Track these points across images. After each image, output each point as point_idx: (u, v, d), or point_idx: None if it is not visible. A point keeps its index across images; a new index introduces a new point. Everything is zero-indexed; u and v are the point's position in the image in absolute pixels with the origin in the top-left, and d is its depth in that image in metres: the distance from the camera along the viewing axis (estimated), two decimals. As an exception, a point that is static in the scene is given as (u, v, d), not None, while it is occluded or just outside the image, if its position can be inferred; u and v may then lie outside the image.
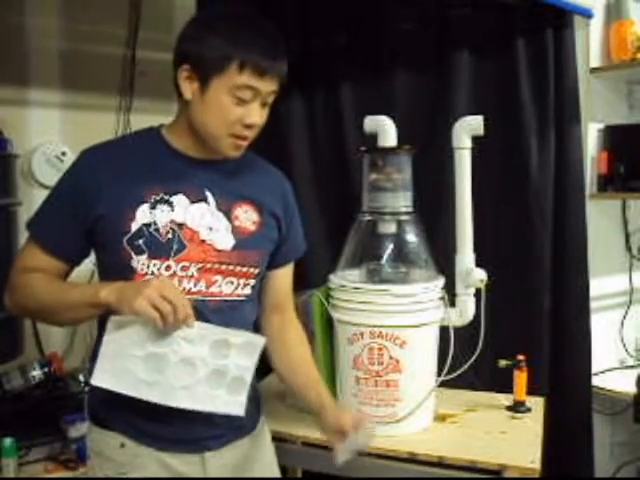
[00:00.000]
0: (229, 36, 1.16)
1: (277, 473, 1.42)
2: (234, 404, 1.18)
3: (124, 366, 1.12)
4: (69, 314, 1.18)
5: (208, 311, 1.21)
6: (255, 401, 1.36)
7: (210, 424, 1.24)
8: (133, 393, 1.13)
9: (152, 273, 1.18)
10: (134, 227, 1.17)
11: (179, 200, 1.21)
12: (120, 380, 1.12)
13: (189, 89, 1.18)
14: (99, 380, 1.13)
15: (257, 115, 1.19)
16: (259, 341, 1.19)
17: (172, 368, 1.13)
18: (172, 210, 1.20)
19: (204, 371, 1.15)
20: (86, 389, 1.83)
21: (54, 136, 2.15)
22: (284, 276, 1.40)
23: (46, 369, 1.89)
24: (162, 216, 1.19)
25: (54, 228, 1.22)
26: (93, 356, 1.30)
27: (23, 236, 1.85)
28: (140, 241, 1.17)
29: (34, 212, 1.25)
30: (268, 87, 1.19)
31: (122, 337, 1.12)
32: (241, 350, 1.17)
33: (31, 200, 2.06)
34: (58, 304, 1.18)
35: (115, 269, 1.19)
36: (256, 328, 1.34)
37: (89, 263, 1.27)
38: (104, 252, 1.22)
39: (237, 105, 1.17)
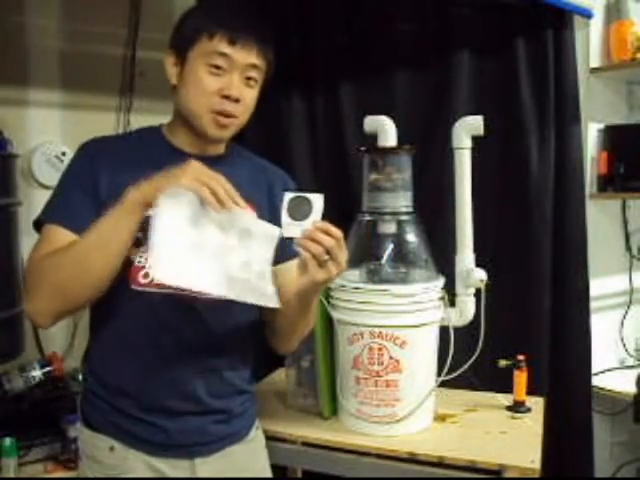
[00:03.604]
0: (203, 14, 1.21)
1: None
2: (267, 296, 1.14)
3: (181, 258, 1.06)
4: (101, 253, 1.09)
5: (202, 308, 1.20)
6: (250, 406, 1.36)
7: (202, 431, 1.24)
8: (195, 287, 1.07)
9: (150, 266, 1.17)
10: None
11: None
12: (177, 272, 1.05)
13: (174, 74, 1.22)
14: (160, 274, 1.04)
15: (236, 88, 1.19)
16: (275, 232, 1.15)
17: (214, 255, 1.09)
18: None
19: (237, 261, 1.11)
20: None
21: (54, 136, 2.15)
22: (288, 273, 1.33)
23: (46, 369, 1.89)
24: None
25: (74, 207, 1.17)
26: (85, 358, 1.30)
27: (23, 236, 1.87)
28: (139, 233, 1.15)
29: (44, 207, 1.20)
30: (244, 57, 1.19)
31: (167, 221, 1.05)
32: (261, 241, 1.13)
33: (31, 200, 2.05)
34: (84, 251, 1.09)
35: None
36: (258, 330, 1.34)
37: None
38: None
39: (213, 75, 1.18)
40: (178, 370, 1.21)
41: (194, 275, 1.07)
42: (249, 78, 1.21)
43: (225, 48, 1.17)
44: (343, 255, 1.10)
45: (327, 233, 1.07)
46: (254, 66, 1.21)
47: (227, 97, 1.19)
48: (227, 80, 1.18)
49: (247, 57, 1.19)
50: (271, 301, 1.15)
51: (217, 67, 1.18)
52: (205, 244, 1.09)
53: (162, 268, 1.05)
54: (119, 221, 1.08)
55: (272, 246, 1.15)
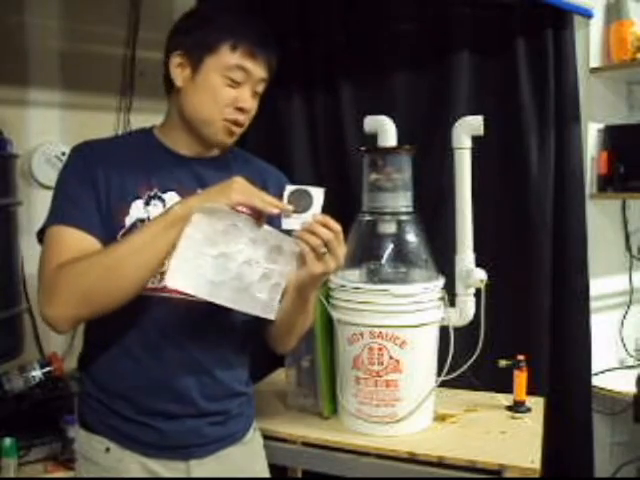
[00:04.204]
0: (221, 21, 1.20)
1: None
2: (270, 308, 1.16)
3: (196, 264, 1.09)
4: (136, 262, 1.08)
5: (199, 310, 1.20)
6: (248, 408, 1.35)
7: (197, 432, 1.23)
8: (201, 295, 1.10)
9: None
10: (128, 222, 1.17)
11: (171, 197, 1.21)
12: (192, 281, 1.09)
13: (180, 76, 1.20)
14: (173, 283, 1.08)
15: (249, 100, 1.21)
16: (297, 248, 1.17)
17: (237, 268, 1.11)
18: (164, 207, 1.19)
19: (257, 274, 1.13)
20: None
21: (54, 136, 2.15)
22: None
23: (46, 369, 1.89)
24: (155, 212, 1.18)
25: (81, 206, 1.15)
26: (81, 363, 1.29)
27: (23, 236, 1.87)
28: None
29: (48, 214, 1.17)
30: (259, 72, 1.21)
31: (199, 234, 1.08)
32: (288, 257, 1.15)
33: (31, 200, 2.06)
34: (118, 258, 1.08)
35: None
36: (256, 331, 1.34)
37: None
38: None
39: (229, 87, 1.19)
40: (174, 373, 1.21)
41: (207, 286, 1.10)
42: (258, 90, 1.24)
43: (246, 62, 1.18)
44: (341, 249, 1.11)
45: (326, 226, 1.08)
46: (264, 80, 1.24)
47: (239, 109, 1.20)
48: (241, 92, 1.20)
49: (262, 71, 1.22)
50: (269, 313, 1.16)
51: (234, 81, 1.19)
52: (232, 256, 1.11)
53: (176, 276, 1.07)
54: (160, 232, 1.08)
55: (294, 263, 1.17)
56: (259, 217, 1.11)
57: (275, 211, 1.09)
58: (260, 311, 1.15)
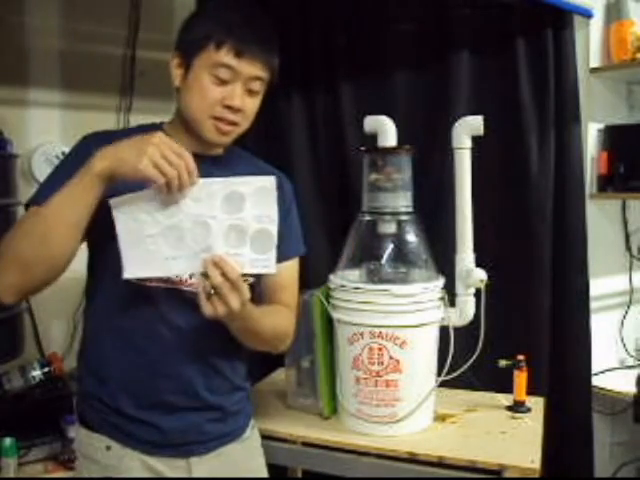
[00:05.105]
0: (212, 18, 1.20)
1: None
2: (262, 261, 1.10)
3: (147, 249, 1.08)
4: (58, 224, 1.06)
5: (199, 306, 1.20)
6: (246, 405, 1.36)
7: (198, 429, 1.24)
8: (165, 273, 1.11)
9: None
10: None
11: None
12: (149, 265, 1.09)
13: (178, 76, 1.21)
14: (130, 273, 1.08)
15: (238, 98, 1.19)
16: (270, 183, 1.10)
17: (189, 233, 1.09)
18: None
19: (220, 229, 1.09)
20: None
21: (54, 136, 2.15)
22: (278, 273, 1.28)
23: (46, 369, 1.89)
24: None
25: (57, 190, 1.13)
26: (80, 358, 1.29)
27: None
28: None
29: (36, 190, 1.17)
30: (249, 70, 1.19)
31: (131, 221, 1.07)
32: (255, 198, 1.10)
33: (31, 200, 2.06)
34: (42, 222, 1.06)
35: (107, 261, 1.17)
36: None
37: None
38: (98, 244, 1.19)
39: (217, 85, 1.18)
40: (176, 363, 1.21)
41: (167, 263, 1.09)
42: (252, 88, 1.22)
43: (231, 60, 1.17)
44: (234, 296, 1.08)
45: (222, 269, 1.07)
46: (258, 78, 1.21)
47: (229, 107, 1.19)
48: (230, 90, 1.18)
49: (252, 70, 1.19)
50: (266, 266, 1.11)
51: (221, 79, 1.18)
52: (180, 225, 1.09)
53: (130, 267, 1.09)
54: (79, 193, 1.06)
55: (271, 199, 1.11)
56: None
57: (174, 192, 1.05)
58: (249, 268, 1.09)
